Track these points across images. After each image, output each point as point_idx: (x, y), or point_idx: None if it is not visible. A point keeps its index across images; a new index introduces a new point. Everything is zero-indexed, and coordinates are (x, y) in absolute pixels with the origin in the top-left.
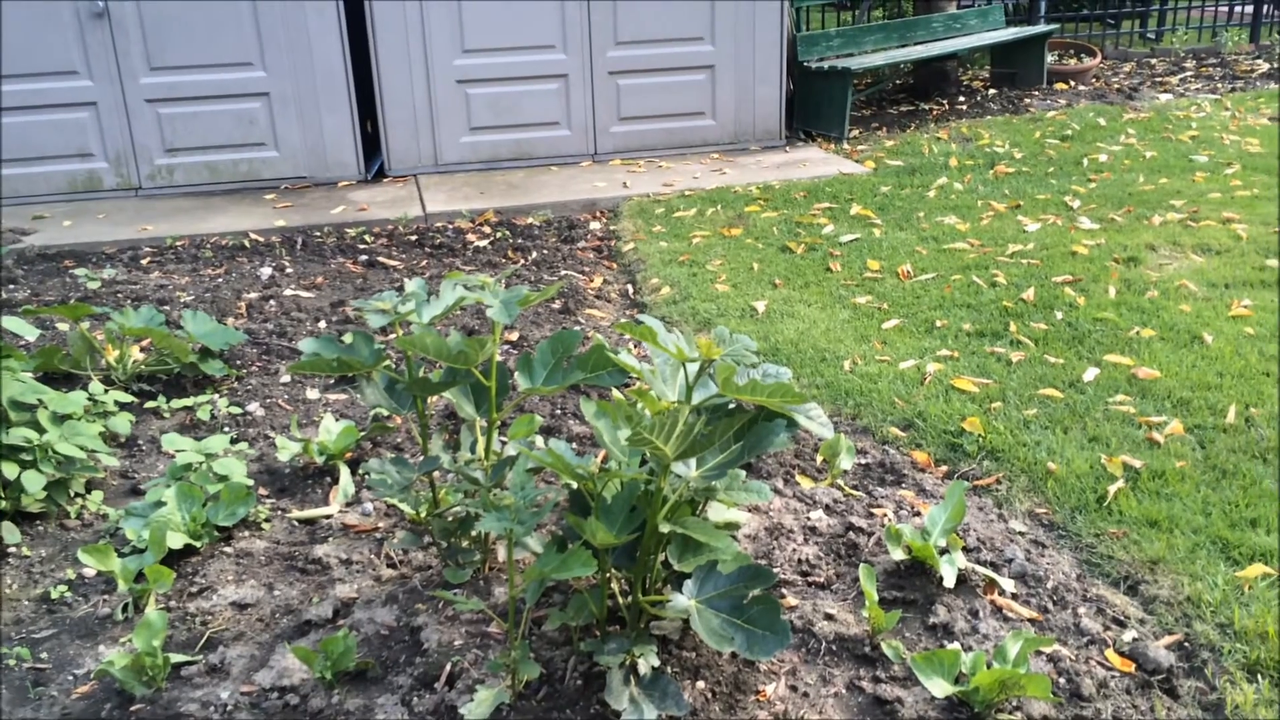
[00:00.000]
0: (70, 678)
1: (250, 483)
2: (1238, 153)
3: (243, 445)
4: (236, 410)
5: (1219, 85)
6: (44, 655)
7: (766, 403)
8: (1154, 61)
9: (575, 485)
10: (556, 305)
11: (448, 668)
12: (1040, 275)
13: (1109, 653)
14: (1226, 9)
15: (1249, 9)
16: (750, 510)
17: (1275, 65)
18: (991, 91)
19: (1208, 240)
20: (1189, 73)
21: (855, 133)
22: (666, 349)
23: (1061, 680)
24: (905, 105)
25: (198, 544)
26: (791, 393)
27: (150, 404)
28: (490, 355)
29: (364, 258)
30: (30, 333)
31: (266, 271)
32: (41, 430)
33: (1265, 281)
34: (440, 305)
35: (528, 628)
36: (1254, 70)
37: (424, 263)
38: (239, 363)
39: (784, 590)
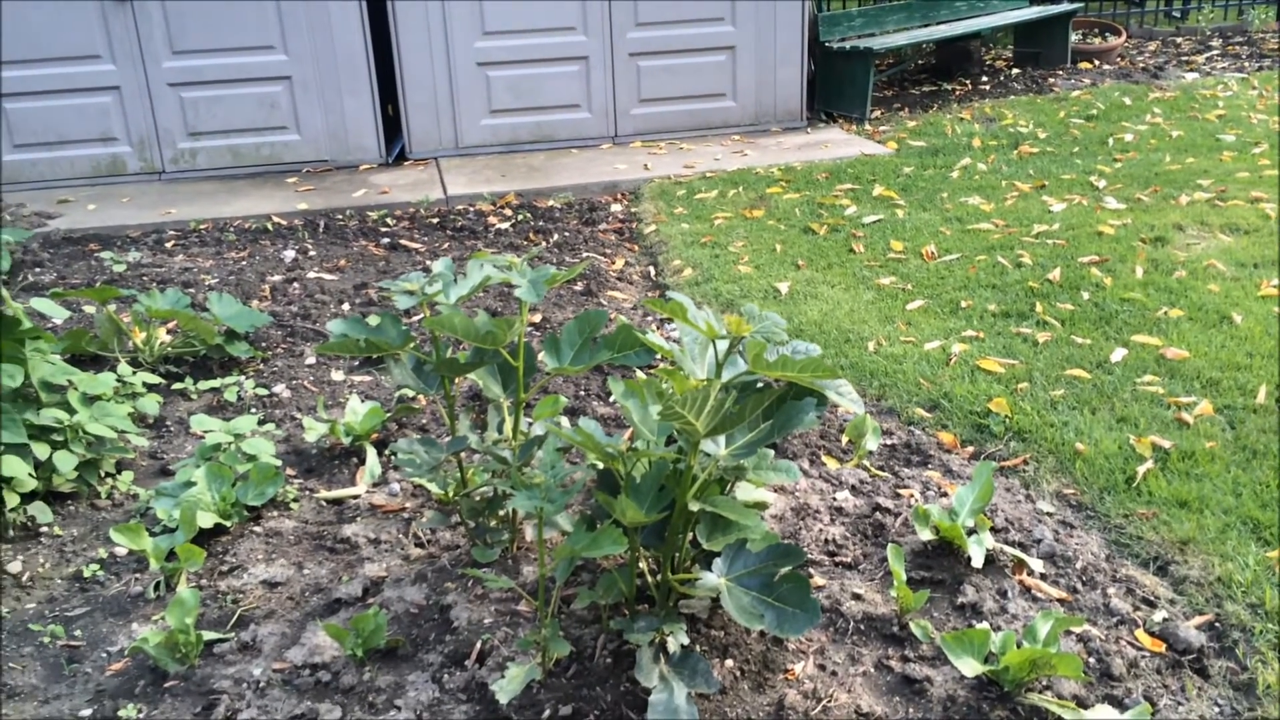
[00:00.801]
0: (104, 655)
1: (278, 463)
2: (1265, 132)
3: (270, 426)
4: (263, 391)
5: (1246, 64)
6: (77, 633)
7: (797, 378)
8: (1179, 40)
9: (603, 464)
10: (579, 287)
11: (478, 645)
12: (1066, 255)
13: (1139, 633)
14: None
15: None
16: (777, 490)
17: None
18: (1015, 71)
19: (1235, 220)
20: (1215, 51)
21: (877, 113)
22: (696, 325)
23: (1091, 660)
24: (928, 85)
25: (227, 523)
26: (823, 367)
27: (177, 385)
28: (518, 335)
29: (386, 240)
30: (59, 314)
31: (289, 254)
32: (72, 411)
33: None
34: (467, 285)
35: (557, 606)
36: None
37: (445, 245)
38: (264, 344)
39: (811, 570)
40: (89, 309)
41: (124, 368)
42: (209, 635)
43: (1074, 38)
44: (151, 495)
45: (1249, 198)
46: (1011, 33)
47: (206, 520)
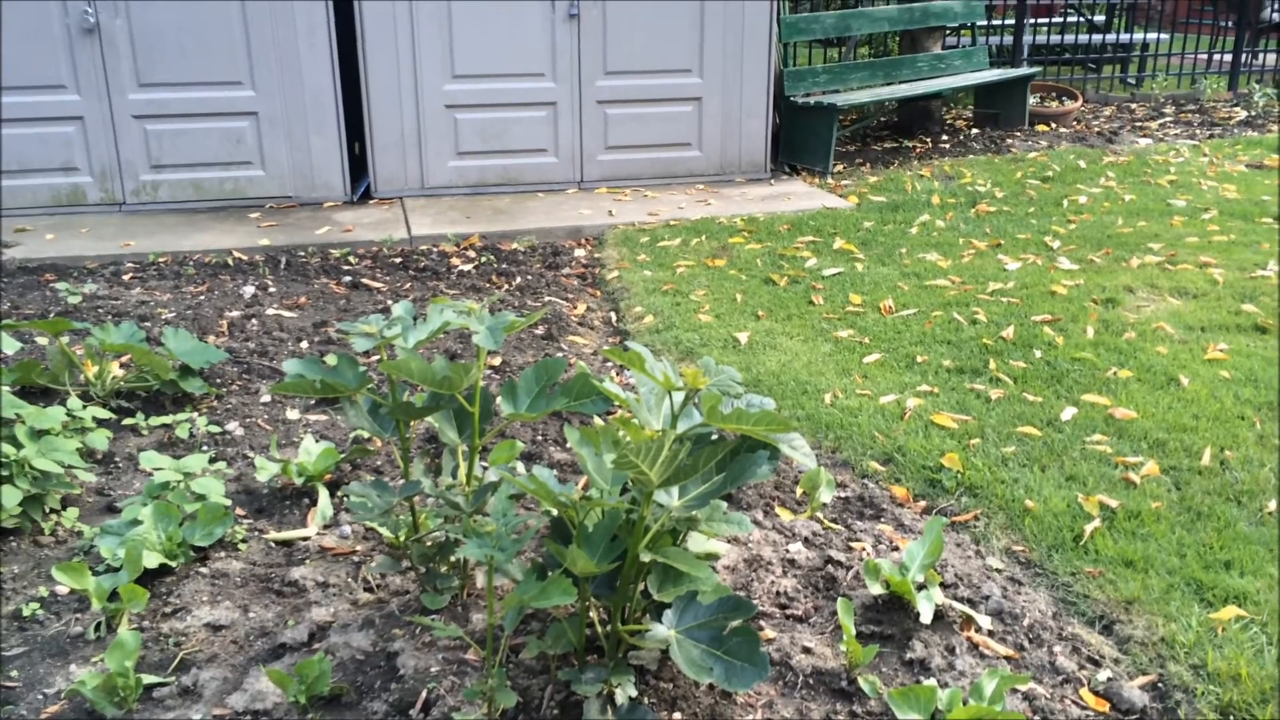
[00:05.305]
0: (40, 697)
1: (228, 503)
2: (1215, 198)
3: (221, 465)
4: (216, 429)
5: (1197, 131)
6: (14, 673)
7: (751, 431)
8: (1134, 106)
9: (556, 512)
10: (539, 331)
11: (423, 694)
12: (1020, 314)
13: (1084, 692)
14: (1206, 57)
15: (1228, 57)
16: (729, 541)
17: (1252, 113)
18: (974, 131)
19: (1185, 284)
20: (1168, 118)
21: (839, 168)
22: (653, 376)
23: (1036, 719)
24: (889, 142)
25: (173, 564)
26: (777, 421)
27: (128, 421)
28: (474, 381)
29: (347, 279)
30: (10, 346)
31: (249, 290)
32: (18, 445)
33: (1241, 326)
34: (426, 330)
35: (505, 655)
36: (1232, 117)
37: (408, 285)
38: (219, 381)
39: (762, 622)
40: (41, 341)
41: (74, 401)
42: (149, 679)
43: (1032, 101)
44: (96, 533)
45: (1198, 262)
46: (972, 94)
47: (152, 560)
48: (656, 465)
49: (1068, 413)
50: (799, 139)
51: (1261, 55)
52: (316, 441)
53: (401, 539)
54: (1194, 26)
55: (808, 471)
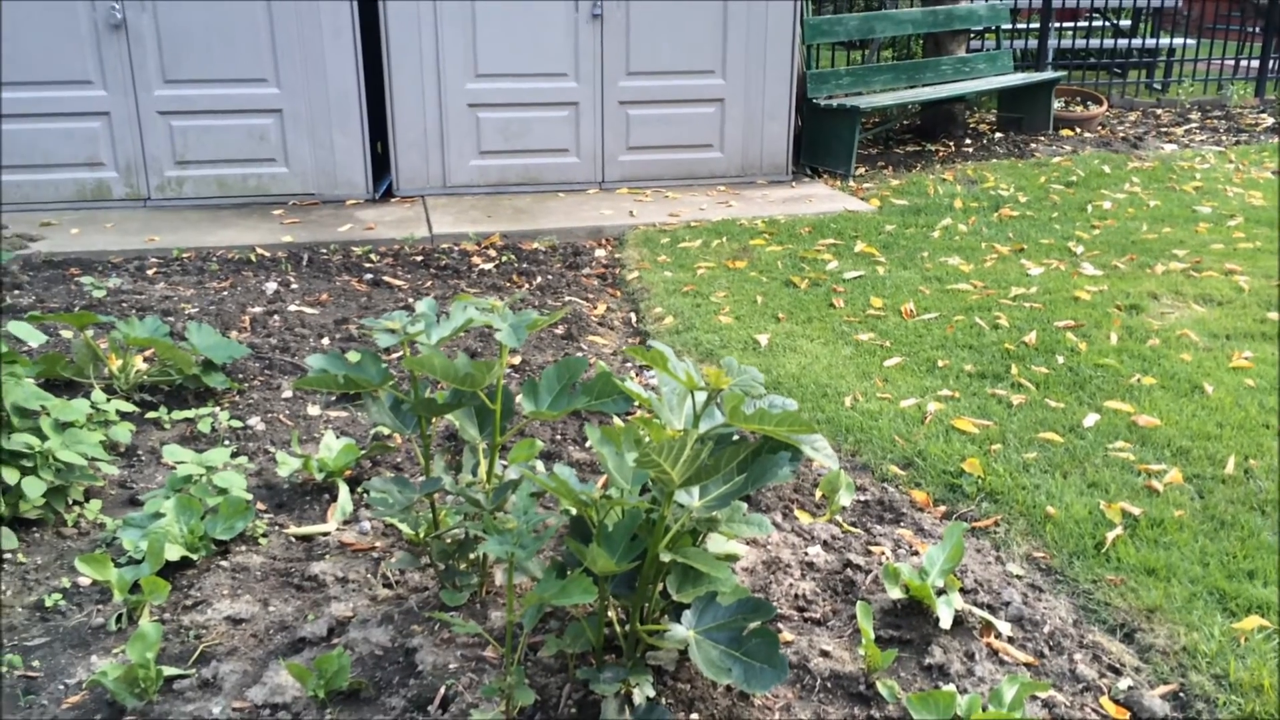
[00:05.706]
0: (61, 687)
1: (249, 497)
2: (1241, 205)
3: (243, 459)
4: (237, 424)
5: (1223, 138)
6: (35, 663)
7: (774, 432)
8: (1159, 112)
9: (576, 511)
10: (559, 331)
11: (441, 690)
12: (1042, 319)
13: (1104, 700)
14: (1232, 63)
15: (1254, 63)
16: (748, 543)
17: (1279, 120)
18: (998, 135)
19: (1210, 291)
20: (1194, 124)
21: (861, 170)
22: (676, 376)
23: None
24: (912, 145)
25: (194, 556)
26: (800, 422)
27: (151, 414)
28: (497, 378)
29: (369, 276)
30: (35, 338)
31: (271, 286)
32: (43, 437)
33: (1266, 334)
34: (449, 327)
35: (524, 653)
36: (1258, 124)
37: (429, 283)
38: (241, 376)
39: (780, 625)
40: (66, 334)
41: (98, 394)
42: (169, 671)
43: (1056, 105)
44: (119, 525)
45: (1223, 269)
46: (995, 97)
47: (173, 553)
48: (679, 465)
49: (1090, 419)
50: (821, 141)
51: None
52: (337, 437)
53: (421, 535)
54: (1220, 32)
55: (827, 474)
